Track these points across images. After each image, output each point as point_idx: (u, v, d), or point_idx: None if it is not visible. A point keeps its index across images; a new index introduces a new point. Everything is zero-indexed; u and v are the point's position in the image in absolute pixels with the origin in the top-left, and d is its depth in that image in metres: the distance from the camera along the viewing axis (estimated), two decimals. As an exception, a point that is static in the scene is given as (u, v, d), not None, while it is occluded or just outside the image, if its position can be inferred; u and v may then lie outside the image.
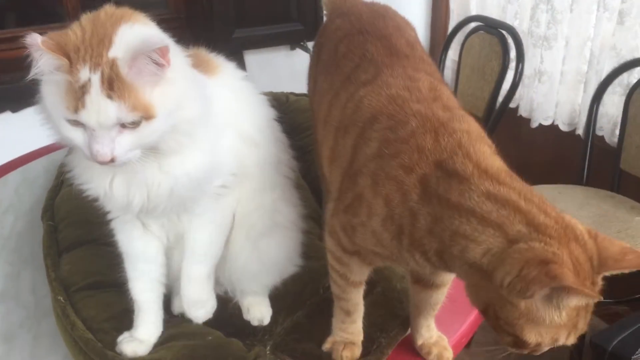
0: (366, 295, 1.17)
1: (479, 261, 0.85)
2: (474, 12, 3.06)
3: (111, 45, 0.93)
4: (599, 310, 2.43)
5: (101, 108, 0.92)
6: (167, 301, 1.26)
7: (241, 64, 2.97)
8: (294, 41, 3.12)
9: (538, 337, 0.86)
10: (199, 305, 1.22)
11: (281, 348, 1.18)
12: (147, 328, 1.19)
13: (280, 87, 2.21)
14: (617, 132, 2.43)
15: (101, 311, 1.22)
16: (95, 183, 1.07)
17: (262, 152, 1.26)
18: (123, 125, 0.94)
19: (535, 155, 2.98)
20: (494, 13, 2.95)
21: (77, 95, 0.91)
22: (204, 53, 1.24)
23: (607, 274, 0.86)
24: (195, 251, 1.20)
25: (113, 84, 0.92)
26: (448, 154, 0.91)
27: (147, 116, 0.94)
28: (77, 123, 0.94)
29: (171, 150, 1.03)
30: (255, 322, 1.25)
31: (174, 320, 1.26)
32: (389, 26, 1.23)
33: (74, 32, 0.95)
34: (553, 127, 2.77)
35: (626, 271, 0.86)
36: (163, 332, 1.20)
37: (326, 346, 1.18)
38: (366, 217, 0.97)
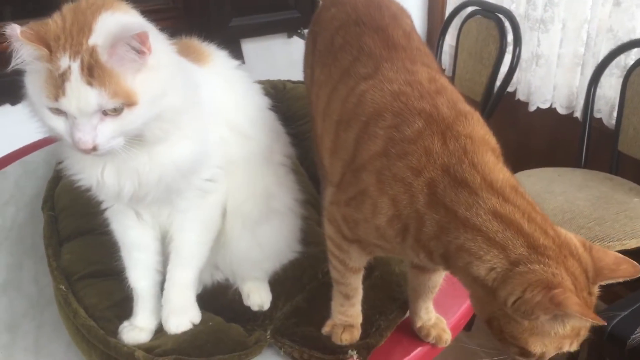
0: (365, 279, 1.18)
1: (483, 278, 0.88)
2: (470, -3, 3.05)
3: (91, 33, 0.94)
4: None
5: (81, 95, 0.92)
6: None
7: (238, 53, 2.97)
8: (291, 29, 3.11)
9: (543, 347, 0.89)
10: (180, 312, 1.19)
11: (281, 332, 1.19)
12: (146, 316, 1.19)
13: (277, 75, 2.21)
14: (615, 114, 2.44)
15: (103, 299, 1.23)
16: (87, 173, 1.08)
17: (253, 143, 1.25)
18: (105, 113, 0.94)
19: (533, 138, 2.99)
20: (490, -3, 2.95)
21: (58, 83, 0.92)
22: (195, 42, 1.24)
23: (603, 283, 0.90)
24: (180, 253, 1.20)
25: (93, 71, 0.92)
26: (456, 160, 0.92)
27: (129, 103, 0.94)
28: (59, 112, 0.95)
29: (157, 139, 1.02)
30: (255, 308, 1.26)
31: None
32: (385, 16, 1.22)
33: (55, 21, 0.96)
34: (551, 111, 2.77)
35: (621, 280, 0.90)
36: (164, 319, 1.21)
37: (326, 329, 1.19)
38: (370, 214, 0.98)
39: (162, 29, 1.07)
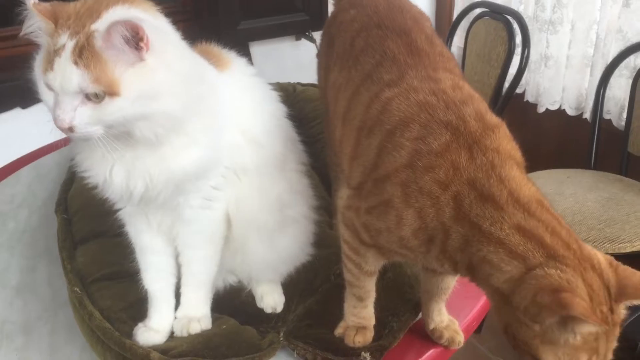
0: (377, 281, 1.18)
1: (500, 286, 0.90)
2: (478, -2, 3.05)
3: (98, 19, 0.96)
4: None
5: (66, 73, 0.94)
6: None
7: (247, 56, 2.98)
8: (299, 32, 3.12)
9: (555, 357, 0.88)
10: (193, 319, 1.21)
11: (294, 334, 1.20)
12: (160, 318, 1.20)
13: (286, 78, 2.22)
14: (625, 115, 2.43)
15: (118, 301, 1.24)
16: (96, 170, 1.09)
17: (266, 152, 1.25)
18: (88, 98, 0.95)
19: (542, 140, 2.98)
20: (498, -1, 2.95)
21: (51, 58, 0.95)
22: (215, 48, 1.24)
23: (629, 303, 0.89)
24: (190, 270, 1.21)
25: (82, 52, 0.94)
26: (482, 175, 0.92)
27: (110, 92, 0.94)
28: (50, 87, 0.97)
29: (148, 141, 1.02)
30: (268, 310, 1.27)
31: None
32: (407, 19, 1.21)
33: (75, 4, 0.99)
34: (560, 112, 2.77)
35: None
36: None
37: (338, 331, 1.19)
38: (395, 225, 0.99)
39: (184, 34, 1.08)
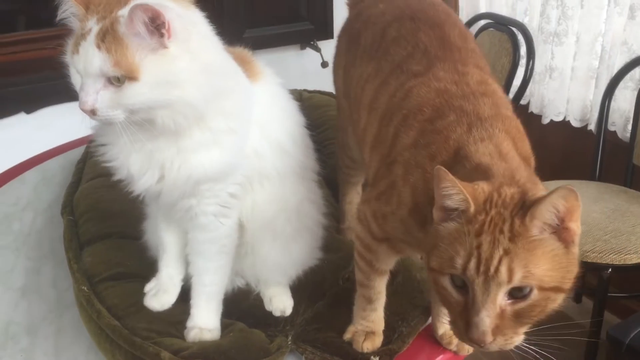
0: (387, 286, 1.17)
1: None
2: (483, 10, 3.06)
3: (126, 5, 0.97)
4: (612, 305, 2.44)
5: (88, 55, 0.96)
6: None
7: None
8: (304, 41, 3.13)
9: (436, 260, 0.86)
10: (203, 328, 1.19)
11: (302, 338, 1.19)
12: (170, 270, 1.24)
13: (290, 87, 2.20)
14: (630, 127, 2.43)
15: (125, 300, 1.23)
16: (119, 161, 1.09)
17: (291, 159, 1.25)
18: (110, 82, 0.97)
19: (547, 151, 2.97)
20: (503, 10, 2.96)
21: (78, 41, 0.98)
22: (248, 56, 1.24)
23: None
24: (201, 280, 1.20)
25: (106, 36, 0.95)
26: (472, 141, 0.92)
27: (130, 77, 0.96)
28: (76, 69, 1.00)
29: (168, 130, 1.02)
30: (277, 313, 1.26)
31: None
32: (440, 13, 1.21)
33: None
34: (565, 123, 2.76)
35: None
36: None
37: (347, 336, 1.18)
38: (396, 206, 0.99)
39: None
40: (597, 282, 2.13)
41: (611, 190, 2.37)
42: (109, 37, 0.95)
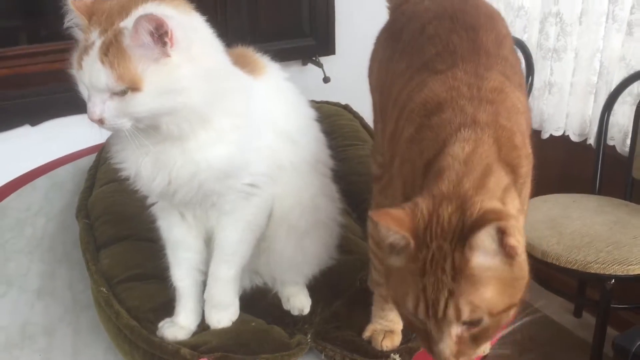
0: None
1: None
2: (482, 28, 3.11)
3: (128, 16, 0.99)
4: (613, 318, 2.44)
5: (93, 72, 0.98)
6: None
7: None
8: (306, 56, 3.15)
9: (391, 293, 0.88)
10: (220, 308, 1.22)
11: (322, 336, 1.20)
12: (187, 315, 1.21)
13: (292, 102, 2.24)
14: (628, 141, 2.47)
15: (145, 302, 1.24)
16: (128, 163, 1.12)
17: (301, 149, 1.27)
18: (115, 92, 0.99)
19: (546, 166, 2.98)
20: (502, 28, 3.00)
21: (82, 54, 0.99)
22: (251, 53, 1.27)
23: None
24: (223, 250, 1.21)
25: (109, 50, 0.97)
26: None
27: (133, 88, 0.98)
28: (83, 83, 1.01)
29: (173, 135, 1.05)
30: (295, 312, 1.27)
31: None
32: (481, 15, 1.18)
33: (111, 2, 1.03)
34: (564, 138, 2.80)
35: None
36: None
37: (366, 334, 1.19)
38: (391, 199, 1.00)
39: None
40: (600, 293, 2.15)
41: (612, 203, 2.40)
42: (112, 50, 0.97)
